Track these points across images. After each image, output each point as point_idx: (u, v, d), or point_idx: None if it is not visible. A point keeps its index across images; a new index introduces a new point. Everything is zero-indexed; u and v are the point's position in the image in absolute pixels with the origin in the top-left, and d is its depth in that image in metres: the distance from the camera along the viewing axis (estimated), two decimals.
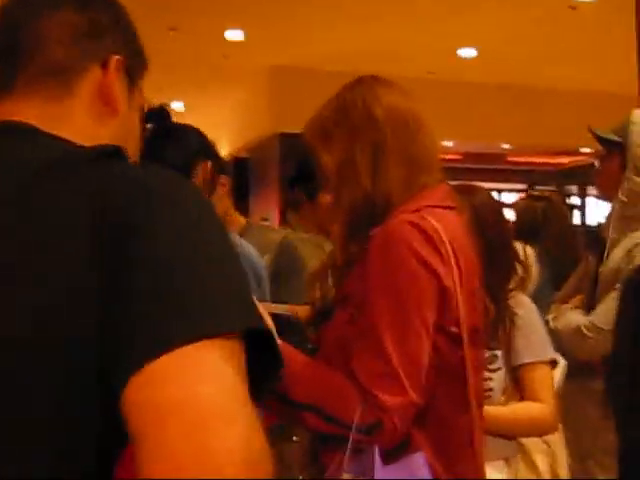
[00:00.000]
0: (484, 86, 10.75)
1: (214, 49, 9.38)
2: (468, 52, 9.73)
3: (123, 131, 1.20)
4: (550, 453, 2.53)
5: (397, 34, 8.81)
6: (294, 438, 1.81)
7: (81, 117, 1.13)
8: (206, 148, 2.52)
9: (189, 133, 2.50)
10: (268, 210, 10.33)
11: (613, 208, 2.91)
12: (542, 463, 2.55)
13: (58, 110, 1.12)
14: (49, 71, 1.12)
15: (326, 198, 1.96)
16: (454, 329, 1.73)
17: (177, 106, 12.44)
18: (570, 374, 2.93)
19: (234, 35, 8.91)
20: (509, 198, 13.75)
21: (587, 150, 12.55)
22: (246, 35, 8.93)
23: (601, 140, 2.99)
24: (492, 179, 14.27)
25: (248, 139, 11.57)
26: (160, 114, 2.43)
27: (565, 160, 12.75)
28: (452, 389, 1.74)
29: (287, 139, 10.11)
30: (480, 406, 1.81)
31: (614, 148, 2.93)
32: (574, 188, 13.65)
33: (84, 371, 0.91)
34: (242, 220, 3.68)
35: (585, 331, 2.86)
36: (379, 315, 1.66)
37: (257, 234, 3.54)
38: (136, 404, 0.85)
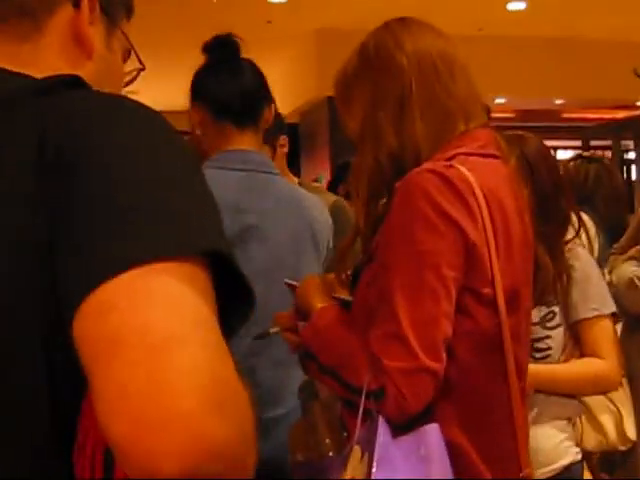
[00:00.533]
0: (535, 40, 10.53)
1: (258, 15, 9.29)
2: (517, 5, 9.52)
3: (100, 74, 1.13)
4: (616, 412, 2.45)
5: None
6: (319, 396, 1.77)
7: (52, 58, 1.07)
8: (268, 91, 2.36)
9: (255, 72, 2.34)
10: (318, 174, 10.28)
11: None
12: (608, 422, 2.49)
13: (28, 50, 1.06)
14: (18, 10, 1.06)
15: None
16: (487, 291, 1.57)
17: None
18: (630, 329, 2.84)
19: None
20: (564, 155, 13.59)
21: None
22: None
23: None
24: (546, 136, 14.05)
25: (297, 104, 11.51)
26: (226, 44, 2.30)
27: (621, 114, 12.46)
28: (488, 358, 1.59)
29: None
30: (522, 378, 1.67)
31: None
32: (630, 143, 13.35)
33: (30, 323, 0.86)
34: (295, 180, 3.62)
35: (637, 282, 2.74)
36: (393, 273, 1.54)
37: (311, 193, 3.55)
38: (83, 338, 0.78)
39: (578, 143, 13.48)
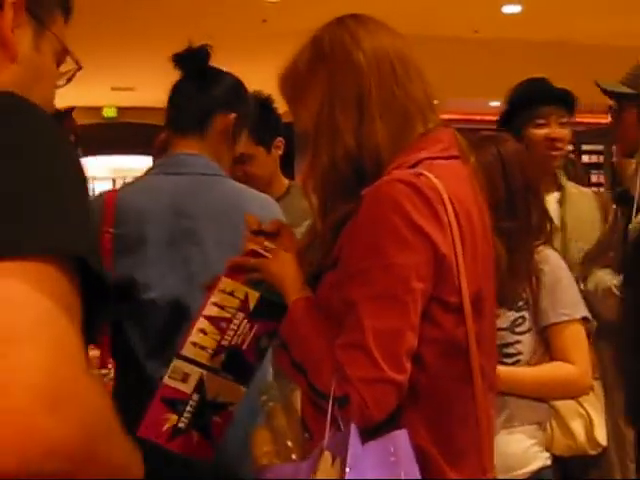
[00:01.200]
0: (530, 43, 10.53)
1: (252, 14, 9.29)
2: (513, 8, 9.52)
3: (27, 76, 1.11)
4: (586, 416, 2.45)
5: None
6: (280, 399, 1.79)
7: None
8: (233, 99, 2.36)
9: (219, 81, 2.37)
10: None
11: (638, 164, 2.80)
12: (578, 427, 2.48)
13: None
14: None
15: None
16: (454, 299, 1.58)
17: None
18: (602, 336, 2.83)
19: None
20: None
21: None
22: None
23: (613, 95, 2.86)
24: None
25: None
26: (195, 55, 2.32)
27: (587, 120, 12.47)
28: (454, 363, 1.61)
29: None
30: (488, 381, 1.68)
31: (628, 101, 2.76)
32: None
33: None
34: (285, 183, 3.60)
35: (616, 291, 2.74)
36: (359, 283, 1.54)
37: (299, 198, 3.50)
38: None
39: (570, 147, 13.47)
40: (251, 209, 2.20)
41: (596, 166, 12.36)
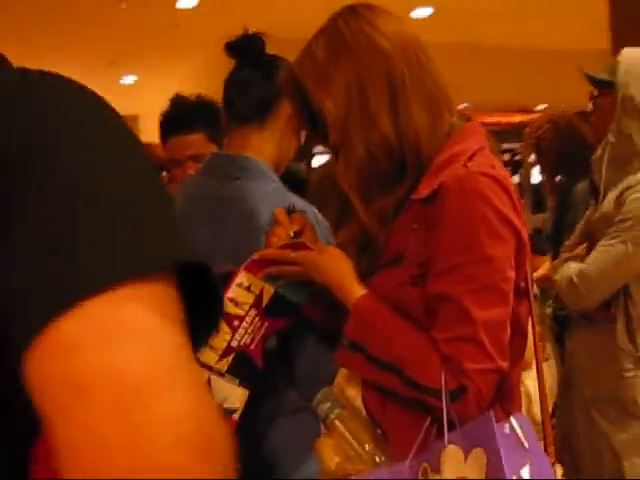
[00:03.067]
0: (440, 45, 10.67)
1: (166, 20, 9.25)
2: (423, 11, 9.65)
3: None
4: (526, 393, 2.53)
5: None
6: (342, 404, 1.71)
7: None
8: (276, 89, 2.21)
9: (279, 65, 2.19)
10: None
11: (603, 150, 2.86)
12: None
13: None
14: None
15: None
16: (523, 284, 1.66)
17: (129, 80, 12.29)
18: (574, 327, 2.91)
19: (185, 3, 8.81)
20: None
21: (542, 107, 12.58)
22: (198, 3, 8.81)
23: (593, 81, 2.94)
24: None
25: None
26: (248, 43, 2.19)
27: (518, 119, 12.72)
28: (514, 343, 1.66)
29: None
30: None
31: (606, 88, 2.86)
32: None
33: None
34: None
35: (575, 280, 2.81)
36: (462, 278, 1.56)
37: None
38: (42, 381, 0.65)
39: None
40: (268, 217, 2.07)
41: (515, 164, 12.60)
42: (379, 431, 1.66)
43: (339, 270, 1.72)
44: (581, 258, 2.92)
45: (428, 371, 1.56)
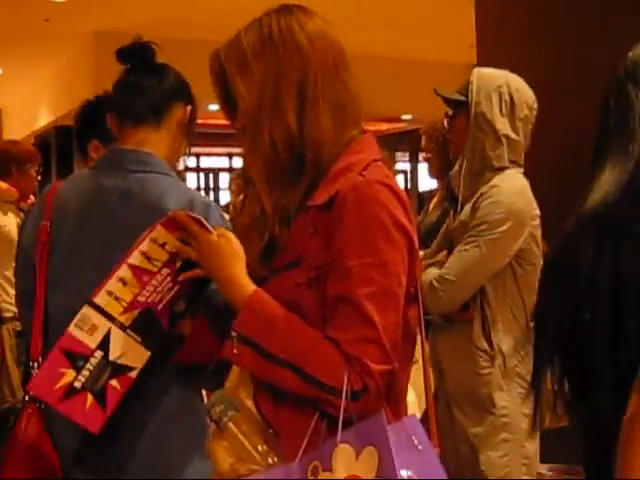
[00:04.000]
0: None
1: (36, 12, 9.09)
2: None
3: None
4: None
5: (224, 2, 8.75)
6: (232, 413, 1.70)
7: None
8: (187, 92, 2.35)
9: (170, 72, 2.32)
10: None
11: (460, 165, 2.98)
12: None
13: None
14: None
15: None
16: (412, 289, 1.70)
17: None
18: (438, 330, 3.00)
19: None
20: None
21: (408, 117, 12.86)
22: None
23: (446, 101, 3.05)
24: None
25: (72, 106, 11.26)
26: (142, 51, 2.29)
27: (384, 127, 12.98)
28: (404, 348, 1.69)
29: None
30: None
31: (460, 108, 3.00)
32: (406, 154, 13.97)
33: None
34: None
35: (435, 284, 2.90)
36: (358, 281, 1.59)
37: None
38: None
39: None
40: (167, 203, 2.12)
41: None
42: (272, 432, 1.65)
43: (233, 260, 1.72)
44: (441, 264, 3.00)
45: (331, 370, 1.57)
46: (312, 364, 1.58)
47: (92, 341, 1.80)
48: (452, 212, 3.12)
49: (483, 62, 4.36)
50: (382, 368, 1.58)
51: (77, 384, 1.80)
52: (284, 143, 1.69)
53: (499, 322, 2.90)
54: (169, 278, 1.82)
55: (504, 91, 2.95)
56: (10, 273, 4.49)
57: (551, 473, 1.76)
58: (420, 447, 1.50)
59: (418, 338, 1.78)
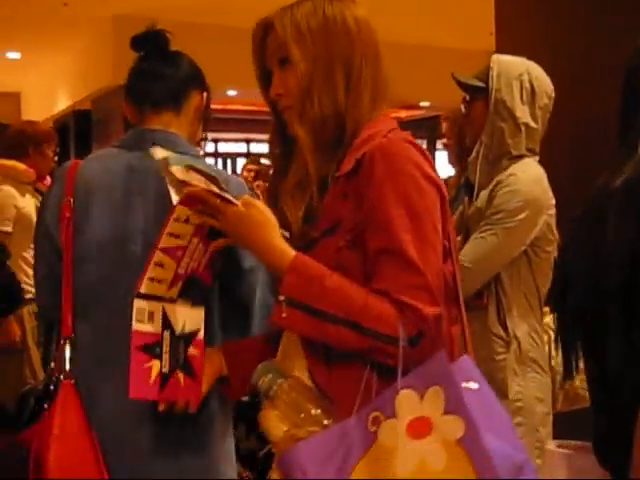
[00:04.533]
0: None
1: None
2: None
3: None
4: None
5: None
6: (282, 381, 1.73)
7: None
8: (202, 79, 2.40)
9: (184, 59, 2.38)
10: None
11: (477, 151, 2.99)
12: None
13: None
14: None
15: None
16: (446, 243, 1.75)
17: (13, 56, 12.03)
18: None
19: None
20: None
21: (427, 104, 12.83)
22: None
23: (464, 86, 3.05)
24: None
25: (90, 90, 11.30)
26: (156, 38, 2.34)
27: (403, 114, 12.95)
28: (448, 307, 1.74)
29: None
30: None
31: (478, 94, 3.00)
32: (424, 142, 13.92)
33: None
34: None
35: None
36: (400, 231, 1.65)
37: None
38: None
39: None
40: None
41: None
42: (325, 398, 1.68)
43: (267, 227, 1.75)
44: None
45: (386, 320, 1.62)
46: (367, 318, 1.63)
47: (156, 327, 1.89)
48: (467, 198, 3.13)
49: (501, 49, 4.40)
50: (436, 312, 1.63)
51: (165, 369, 1.89)
52: (332, 115, 1.77)
53: (514, 308, 2.91)
54: (200, 244, 1.89)
55: (525, 79, 2.96)
56: (29, 254, 4.51)
57: (560, 450, 1.78)
58: (477, 387, 1.54)
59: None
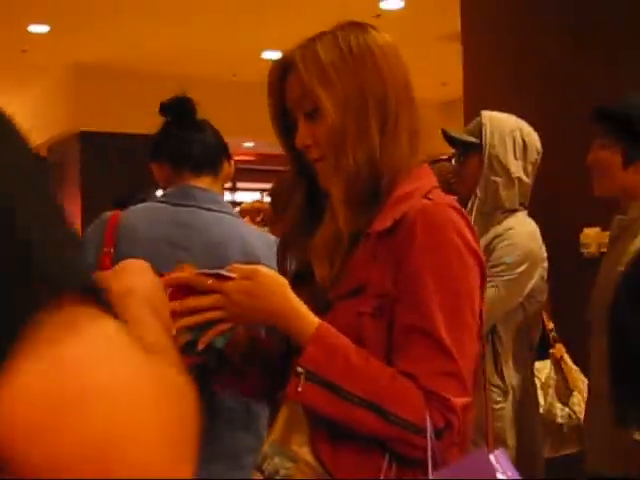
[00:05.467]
0: None
1: (14, 43, 9.06)
2: (273, 55, 9.81)
3: None
4: None
5: (203, 36, 8.81)
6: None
7: None
8: (228, 148, 2.51)
9: (211, 128, 2.48)
10: (68, 212, 10.04)
11: (472, 204, 3.05)
12: None
13: None
14: None
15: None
16: (478, 321, 1.60)
17: None
18: None
19: (38, 29, 8.64)
20: None
21: None
22: (51, 30, 8.68)
23: (456, 142, 3.11)
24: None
25: (46, 137, 11.22)
26: (183, 106, 2.42)
27: None
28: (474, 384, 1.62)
29: (88, 137, 9.91)
30: None
31: (471, 149, 3.06)
32: None
33: None
34: None
35: None
36: (436, 310, 1.50)
37: None
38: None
39: None
40: (253, 243, 2.27)
41: None
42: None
43: (283, 293, 1.54)
44: None
45: (413, 407, 1.48)
46: (393, 402, 1.48)
47: None
48: None
49: (468, 101, 4.47)
50: (463, 401, 1.50)
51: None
52: (367, 166, 1.61)
53: (510, 359, 2.97)
54: None
55: (517, 135, 3.05)
56: None
57: None
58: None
59: None
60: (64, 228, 0.75)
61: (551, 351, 3.20)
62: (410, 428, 1.47)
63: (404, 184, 1.62)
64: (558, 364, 3.19)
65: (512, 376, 2.96)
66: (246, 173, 12.08)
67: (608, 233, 2.99)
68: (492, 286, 2.88)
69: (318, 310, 1.56)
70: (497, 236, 2.98)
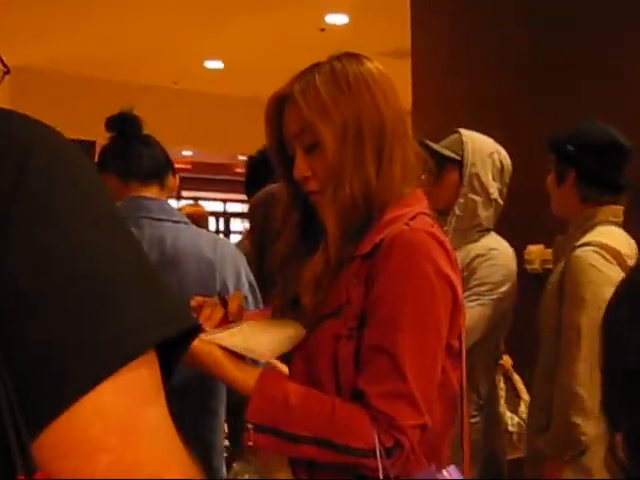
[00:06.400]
0: (229, 98, 10.78)
1: None
2: (214, 64, 9.74)
3: None
4: None
5: (143, 42, 8.66)
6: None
7: None
8: (172, 164, 2.53)
9: (157, 143, 2.51)
10: None
11: (449, 221, 3.04)
12: None
13: None
14: None
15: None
16: (456, 343, 1.66)
17: None
18: None
19: None
20: (234, 208, 14.73)
21: None
22: None
23: (437, 154, 3.05)
24: (219, 188, 14.58)
25: None
26: (128, 122, 2.44)
27: None
28: (443, 410, 1.67)
29: None
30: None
31: (449, 163, 3.02)
32: None
33: None
34: None
35: None
36: (398, 333, 1.56)
37: None
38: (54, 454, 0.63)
39: None
40: (204, 248, 2.28)
41: None
42: None
43: (219, 366, 1.64)
44: None
45: (359, 432, 1.55)
46: (338, 432, 1.56)
47: None
48: None
49: (416, 118, 4.43)
50: (412, 423, 1.56)
51: None
52: (362, 196, 1.66)
53: (481, 371, 3.00)
54: None
55: (495, 158, 3.06)
56: None
57: None
58: None
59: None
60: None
61: (499, 362, 3.26)
62: (361, 454, 1.54)
63: (393, 210, 1.67)
64: (507, 374, 3.27)
65: (484, 388, 3.01)
66: (184, 181, 12.06)
67: (551, 250, 3.12)
68: (480, 304, 2.93)
69: (306, 328, 1.69)
70: (479, 255, 3.00)
